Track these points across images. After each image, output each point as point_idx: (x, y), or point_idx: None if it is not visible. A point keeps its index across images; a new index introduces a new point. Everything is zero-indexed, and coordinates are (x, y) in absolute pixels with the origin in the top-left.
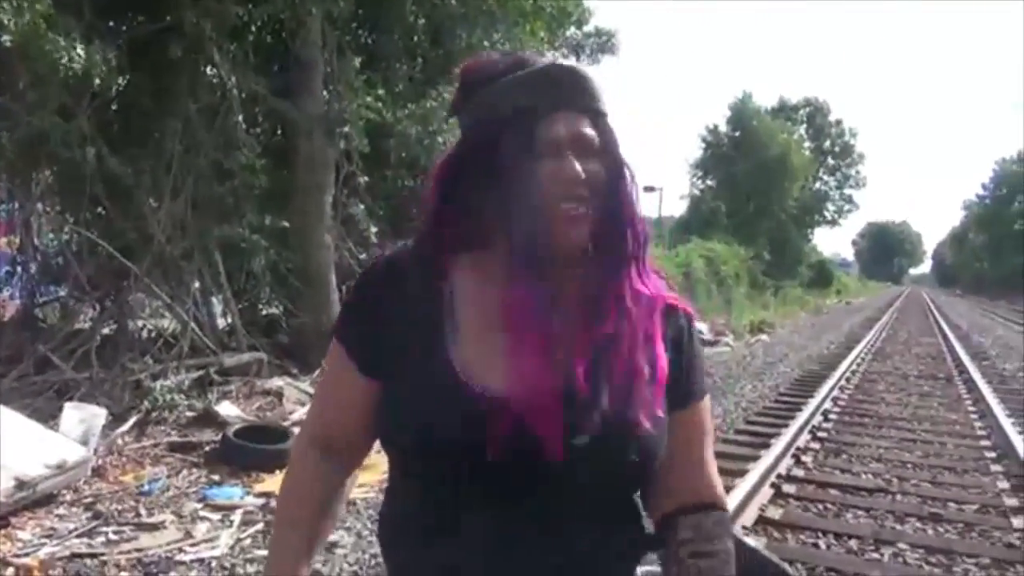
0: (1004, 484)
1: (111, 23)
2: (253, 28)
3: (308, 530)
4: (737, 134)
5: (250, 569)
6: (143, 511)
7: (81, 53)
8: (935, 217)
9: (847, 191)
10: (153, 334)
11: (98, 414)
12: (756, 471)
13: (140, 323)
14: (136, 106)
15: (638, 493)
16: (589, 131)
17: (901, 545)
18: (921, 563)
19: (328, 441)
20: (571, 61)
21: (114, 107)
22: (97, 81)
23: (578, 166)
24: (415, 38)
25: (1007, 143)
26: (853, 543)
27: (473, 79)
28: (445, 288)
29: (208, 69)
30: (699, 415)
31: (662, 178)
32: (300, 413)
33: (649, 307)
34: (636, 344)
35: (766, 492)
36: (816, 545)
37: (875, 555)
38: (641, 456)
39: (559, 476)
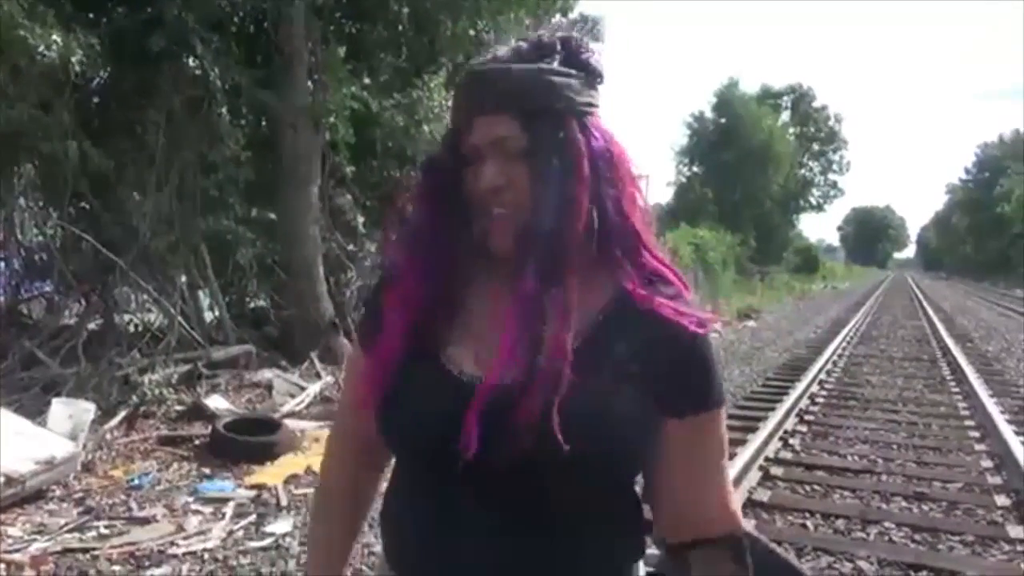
0: (987, 463)
1: (91, 15)
2: (236, 19)
3: (342, 527)
4: (723, 121)
5: (243, 561)
6: (134, 505)
7: (58, 40)
8: (919, 201)
9: (832, 177)
10: (140, 328)
11: (86, 409)
12: (744, 454)
13: (127, 317)
14: (118, 99)
15: (627, 499)
16: (510, 133)
17: (887, 524)
18: (907, 541)
19: (355, 438)
20: (512, 55)
21: (95, 100)
22: (77, 70)
23: (490, 172)
24: (399, 27)
25: (989, 128)
26: (840, 523)
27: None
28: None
29: (191, 61)
30: (701, 429)
31: (648, 165)
32: (290, 405)
33: (603, 313)
34: (562, 327)
35: (754, 475)
36: (804, 526)
37: (862, 534)
38: (582, 478)
39: (515, 478)
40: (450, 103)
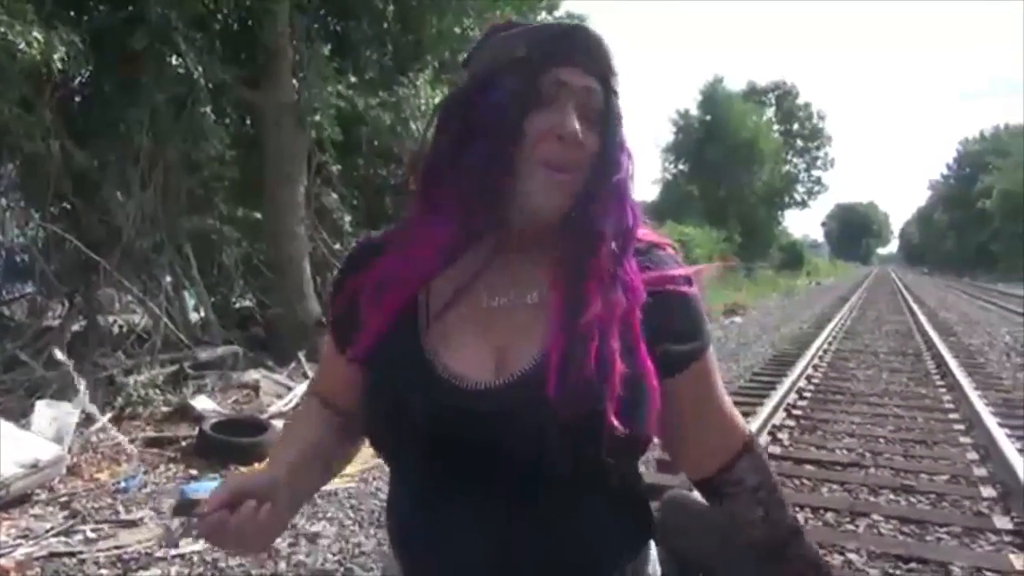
0: (973, 455)
1: (72, 12)
2: (219, 17)
3: (297, 452)
4: (708, 118)
5: (232, 562)
6: (121, 508)
7: (39, 38)
8: (902, 198)
9: (816, 173)
10: (124, 329)
11: (71, 412)
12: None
13: (111, 318)
14: (100, 98)
15: (636, 475)
16: (598, 96)
17: (875, 517)
18: (895, 533)
19: (330, 401)
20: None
21: (78, 99)
22: (58, 68)
23: (577, 123)
24: (385, 25)
25: (971, 125)
26: (830, 516)
27: (496, 29)
28: None
29: (174, 59)
30: (705, 369)
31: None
32: (277, 406)
33: (632, 296)
34: (612, 335)
35: None
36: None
37: (851, 527)
38: (609, 454)
39: (529, 467)
40: (504, 40)
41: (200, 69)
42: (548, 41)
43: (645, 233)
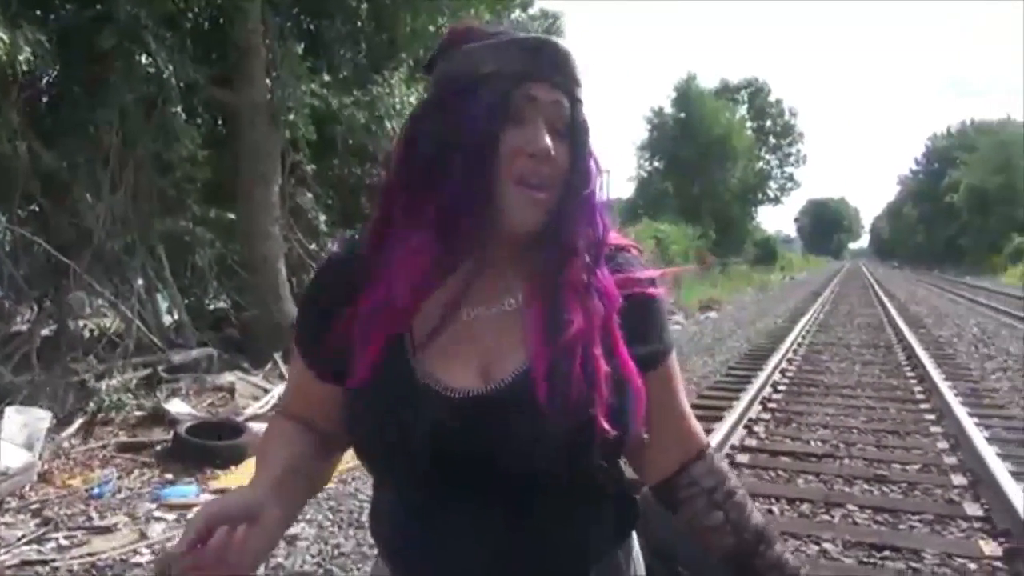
0: (943, 444)
1: (38, 11)
2: (190, 15)
3: (280, 468)
4: (682, 115)
5: None
6: (94, 514)
7: (4, 38)
8: (872, 193)
9: (788, 169)
10: (96, 333)
11: (42, 417)
12: (711, 443)
13: (82, 322)
14: (68, 98)
15: (619, 468)
16: (566, 110)
17: (850, 507)
18: (869, 523)
19: (306, 422)
20: (559, 40)
21: (45, 99)
22: (23, 68)
23: (548, 139)
24: (358, 23)
25: (938, 119)
26: (805, 507)
27: (457, 38)
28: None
29: (143, 58)
30: (668, 371)
31: (610, 160)
32: (253, 408)
33: (607, 302)
34: (594, 342)
35: None
36: (771, 511)
37: (826, 517)
38: (603, 458)
39: (524, 474)
40: (470, 53)
41: (170, 68)
42: (518, 56)
43: (611, 237)
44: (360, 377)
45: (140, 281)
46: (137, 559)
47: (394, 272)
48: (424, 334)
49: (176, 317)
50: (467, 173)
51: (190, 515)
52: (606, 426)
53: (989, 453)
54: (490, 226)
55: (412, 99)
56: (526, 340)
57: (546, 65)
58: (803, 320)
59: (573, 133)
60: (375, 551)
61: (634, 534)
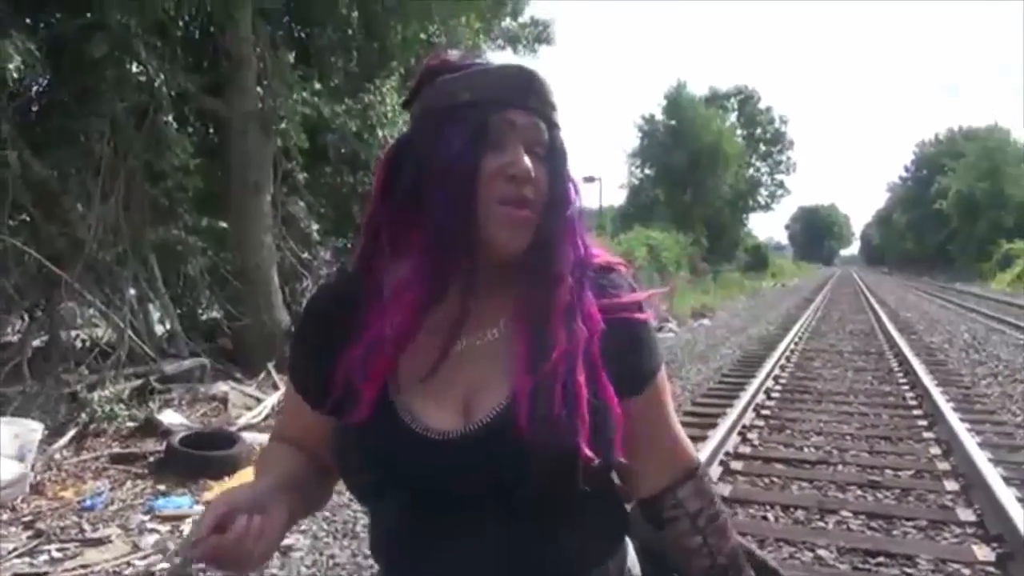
0: (936, 450)
1: (28, 20)
2: (180, 24)
3: (280, 476)
4: (673, 123)
5: None
6: (87, 526)
7: None
8: (862, 199)
9: (779, 177)
10: (87, 344)
11: (34, 429)
12: (705, 450)
13: (73, 333)
14: (59, 107)
15: (610, 482)
16: (543, 134)
17: (844, 513)
18: (864, 529)
19: (302, 447)
20: (532, 66)
21: (35, 108)
22: (14, 76)
23: (528, 161)
24: (349, 32)
25: (926, 126)
26: (799, 514)
27: (432, 72)
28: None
29: (134, 67)
30: (656, 392)
31: (601, 168)
32: (247, 418)
33: (590, 326)
34: (577, 367)
35: (715, 470)
36: (765, 518)
37: (820, 524)
38: (587, 483)
39: (510, 505)
40: (447, 84)
41: (162, 77)
42: (493, 85)
43: (597, 253)
44: (360, 415)
45: (132, 291)
46: (130, 571)
47: (387, 308)
48: (410, 371)
49: (168, 327)
50: (450, 200)
51: (183, 527)
52: (589, 454)
53: (981, 458)
54: (476, 252)
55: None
56: (509, 371)
57: (522, 92)
58: (795, 327)
59: (552, 156)
60: (370, 562)
61: (627, 540)
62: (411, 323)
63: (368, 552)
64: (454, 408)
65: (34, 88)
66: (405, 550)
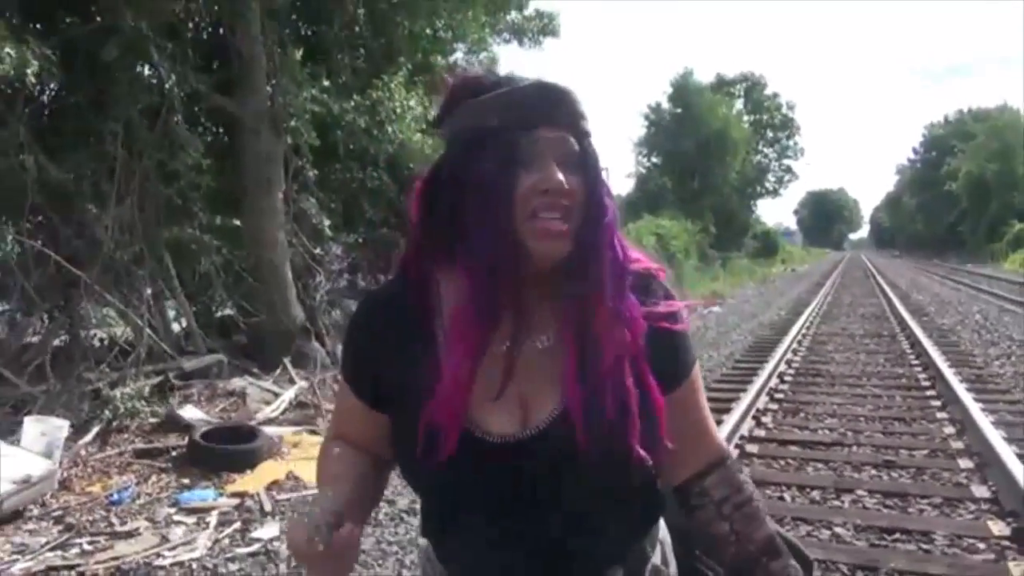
0: (950, 430)
1: (40, 25)
2: (191, 25)
3: (348, 487)
4: (679, 111)
5: (232, 567)
6: (115, 520)
7: (12, 53)
8: (871, 183)
9: (786, 162)
10: (106, 342)
11: (60, 426)
12: (720, 434)
13: (92, 332)
14: (72, 110)
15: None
16: (572, 144)
17: (860, 492)
18: (879, 507)
19: (360, 447)
20: (557, 81)
21: (46, 112)
22: (32, 81)
23: (560, 175)
24: (356, 28)
25: (937, 106)
26: (816, 494)
27: (459, 93)
28: (435, 317)
29: (146, 69)
30: (692, 385)
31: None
32: (266, 412)
33: (634, 328)
34: (625, 371)
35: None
36: (782, 498)
37: (837, 503)
38: (639, 481)
39: (564, 505)
40: (474, 108)
41: (173, 78)
42: (519, 106)
43: (638, 258)
44: (445, 454)
45: (148, 290)
46: (160, 562)
47: (451, 345)
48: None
49: (185, 324)
50: (490, 223)
51: (209, 518)
52: (642, 455)
53: (995, 437)
54: (520, 266)
55: (412, 103)
56: (561, 378)
57: (548, 109)
58: (806, 312)
59: (584, 166)
60: (394, 548)
61: (661, 520)
62: (474, 361)
63: (391, 539)
64: (511, 414)
65: (47, 92)
66: (453, 535)
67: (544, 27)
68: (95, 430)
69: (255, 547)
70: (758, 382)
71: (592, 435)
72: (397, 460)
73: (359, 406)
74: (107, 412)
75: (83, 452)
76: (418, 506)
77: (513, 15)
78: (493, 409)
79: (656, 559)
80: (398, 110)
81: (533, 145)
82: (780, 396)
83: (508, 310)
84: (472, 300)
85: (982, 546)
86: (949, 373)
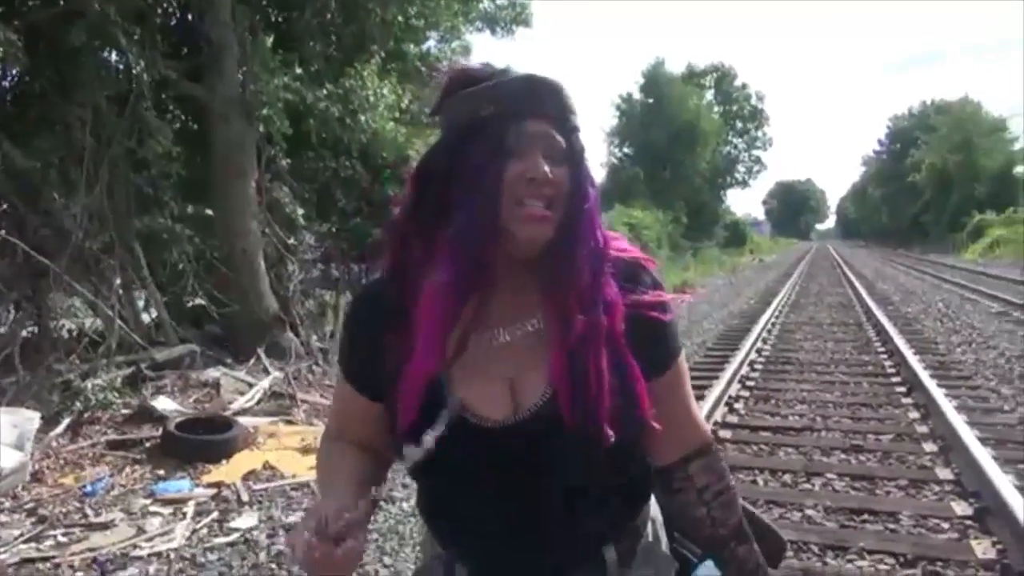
0: (915, 414)
1: (2, 8)
2: (159, 10)
3: (351, 489)
4: (651, 101)
5: (211, 557)
6: (89, 511)
7: None
8: (837, 174)
9: (755, 152)
10: (76, 333)
11: (31, 418)
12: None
13: (61, 323)
14: (38, 96)
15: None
16: (558, 137)
17: (829, 475)
18: (848, 489)
19: (353, 442)
20: (548, 76)
21: (9, 98)
22: None
23: (545, 166)
24: (328, 15)
25: (901, 98)
26: (787, 477)
27: (456, 83)
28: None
29: (113, 55)
30: (677, 372)
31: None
32: (240, 402)
33: (611, 312)
34: (600, 351)
35: None
36: (755, 482)
37: (807, 486)
38: (609, 462)
39: (558, 482)
40: (466, 99)
41: (141, 64)
42: (511, 98)
43: (626, 249)
44: (407, 420)
45: (118, 280)
46: (137, 553)
47: (422, 318)
48: (457, 365)
49: (155, 315)
50: (476, 206)
51: (186, 509)
52: (609, 433)
53: (958, 421)
54: (503, 251)
55: (385, 91)
56: (549, 360)
57: (538, 101)
58: (775, 301)
59: (570, 158)
60: (372, 534)
61: (653, 499)
62: (445, 326)
63: (370, 527)
64: (503, 399)
65: (9, 78)
66: (448, 516)
67: (516, 16)
68: (66, 422)
69: (234, 537)
70: (730, 370)
71: (577, 414)
72: (394, 447)
73: (358, 400)
74: (78, 403)
75: (54, 444)
76: (395, 494)
77: (486, 4)
78: (486, 396)
79: (648, 537)
80: (371, 99)
81: (521, 136)
82: (751, 383)
83: (494, 296)
84: (448, 275)
85: (946, 526)
86: (913, 360)
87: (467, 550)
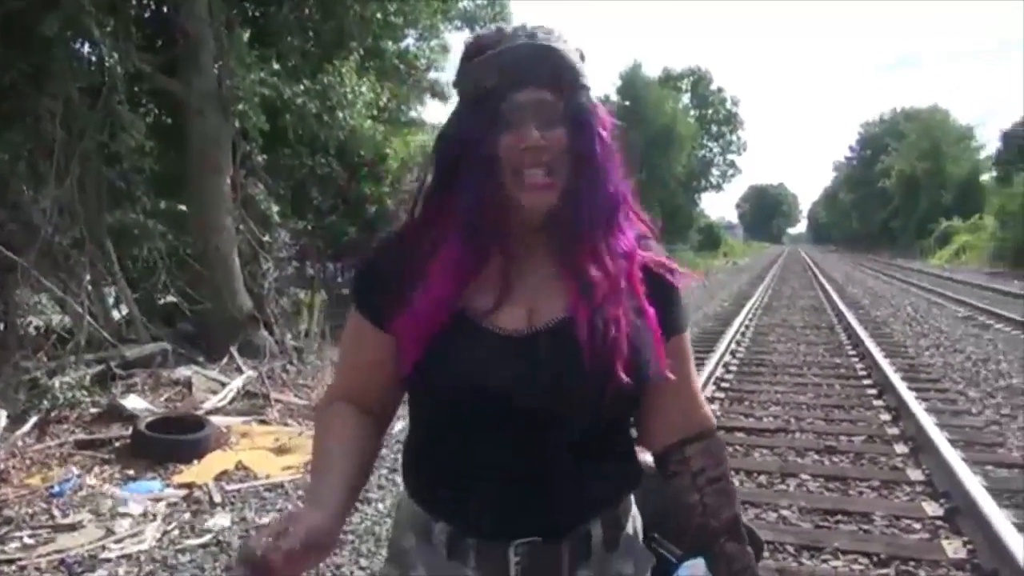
0: (886, 416)
1: None
2: (134, 1)
3: (341, 475)
4: (627, 104)
5: (183, 559)
6: (57, 512)
7: None
8: (809, 179)
9: (730, 157)
10: (44, 330)
11: None
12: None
13: (28, 319)
14: (7, 87)
15: (630, 431)
16: (551, 100)
17: (803, 476)
18: (822, 490)
19: (356, 400)
20: (546, 36)
21: None
22: None
23: (536, 133)
24: (306, 11)
25: (871, 105)
26: (762, 478)
27: (471, 52)
28: (431, 258)
29: (86, 47)
30: (682, 346)
31: None
32: (212, 402)
33: (627, 260)
34: (615, 296)
35: None
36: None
37: (782, 487)
38: (618, 404)
39: (546, 419)
40: (473, 70)
41: (115, 56)
42: (511, 67)
43: (638, 213)
44: (412, 356)
45: (88, 276)
46: (106, 555)
47: (435, 275)
48: (474, 287)
49: (126, 312)
50: (478, 175)
51: (156, 510)
52: (624, 378)
53: (928, 423)
54: (512, 217)
55: (363, 89)
56: (565, 296)
57: (535, 69)
58: (748, 304)
59: (566, 118)
60: (349, 535)
61: (632, 498)
62: (459, 280)
63: (346, 528)
64: (519, 313)
65: None
66: (435, 465)
67: (496, 15)
68: (33, 420)
69: (207, 538)
70: (704, 372)
71: (594, 338)
72: (403, 376)
73: (368, 332)
74: (45, 402)
75: (20, 443)
76: (371, 495)
77: (465, 2)
78: (501, 312)
79: (629, 531)
80: (349, 96)
81: (513, 106)
82: (726, 385)
83: (512, 264)
84: (456, 246)
85: (918, 526)
86: (884, 363)
87: (459, 508)
